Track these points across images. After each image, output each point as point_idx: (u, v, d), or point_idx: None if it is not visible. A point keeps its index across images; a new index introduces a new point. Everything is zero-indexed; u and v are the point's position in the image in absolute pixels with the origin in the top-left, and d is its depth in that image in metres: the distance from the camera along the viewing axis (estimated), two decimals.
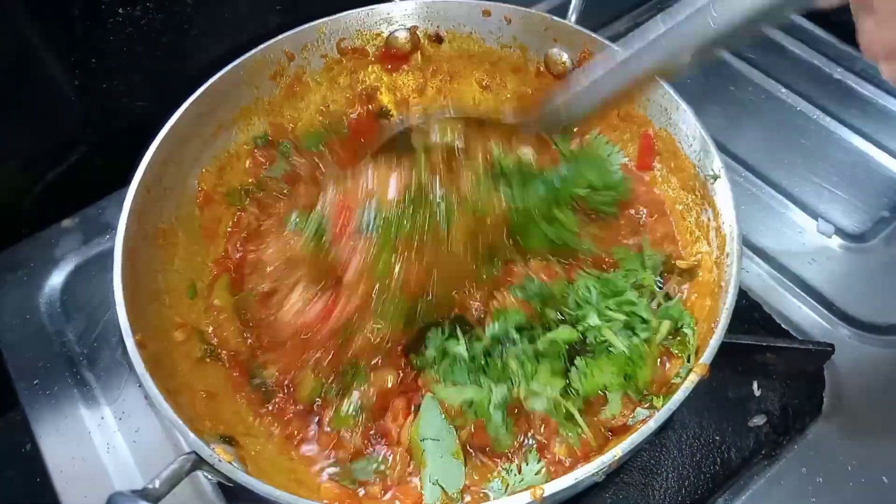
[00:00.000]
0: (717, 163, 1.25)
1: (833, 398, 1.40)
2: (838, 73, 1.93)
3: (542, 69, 1.54)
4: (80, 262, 1.64)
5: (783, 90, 1.91)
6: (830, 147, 1.79)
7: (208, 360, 1.30)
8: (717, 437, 1.35)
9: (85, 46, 1.59)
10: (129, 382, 1.46)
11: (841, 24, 1.98)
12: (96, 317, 1.55)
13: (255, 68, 1.46)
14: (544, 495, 0.91)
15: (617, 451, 0.93)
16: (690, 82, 1.89)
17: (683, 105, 1.31)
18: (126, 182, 1.28)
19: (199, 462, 0.96)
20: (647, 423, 0.95)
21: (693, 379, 1.00)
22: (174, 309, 1.30)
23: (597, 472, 0.95)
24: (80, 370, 1.49)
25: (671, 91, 1.34)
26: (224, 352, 1.32)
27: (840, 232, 1.64)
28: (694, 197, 1.34)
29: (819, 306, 1.53)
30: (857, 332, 1.49)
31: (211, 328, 1.34)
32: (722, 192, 1.24)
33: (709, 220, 1.27)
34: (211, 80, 1.39)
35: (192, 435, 0.97)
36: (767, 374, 1.39)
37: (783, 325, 1.48)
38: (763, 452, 1.34)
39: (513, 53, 1.56)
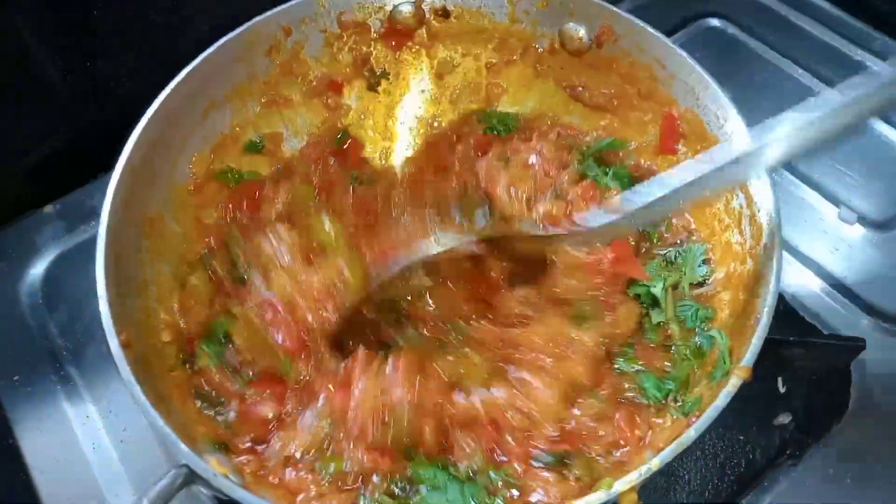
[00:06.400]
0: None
1: (859, 395, 1.34)
2: (859, 55, 1.86)
3: (556, 46, 1.44)
4: (64, 250, 1.57)
5: (800, 71, 1.84)
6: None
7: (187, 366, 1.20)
8: (742, 437, 1.29)
9: (70, 25, 1.50)
10: (116, 379, 1.35)
11: (858, 2, 1.91)
12: (81, 309, 1.47)
13: (249, 44, 1.36)
14: None
15: (655, 462, 0.86)
16: (705, 62, 1.81)
17: (714, 84, 1.22)
18: (112, 167, 1.20)
19: (191, 476, 0.87)
20: (688, 431, 0.88)
21: (735, 383, 0.92)
22: (162, 304, 1.21)
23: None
24: (63, 365, 1.42)
25: (699, 68, 1.24)
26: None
27: (863, 219, 1.58)
28: None
29: (842, 297, 1.47)
30: (883, 324, 1.43)
31: (176, 305, 1.23)
32: None
33: (741, 207, 1.18)
34: (201, 56, 1.29)
35: (185, 448, 0.88)
36: (793, 371, 1.33)
37: (807, 318, 1.41)
38: (788, 452, 1.28)
39: (524, 29, 1.46)
